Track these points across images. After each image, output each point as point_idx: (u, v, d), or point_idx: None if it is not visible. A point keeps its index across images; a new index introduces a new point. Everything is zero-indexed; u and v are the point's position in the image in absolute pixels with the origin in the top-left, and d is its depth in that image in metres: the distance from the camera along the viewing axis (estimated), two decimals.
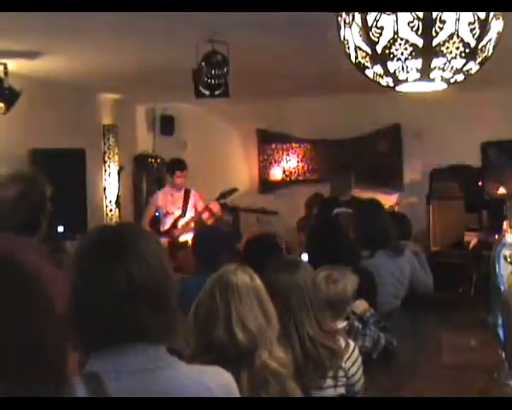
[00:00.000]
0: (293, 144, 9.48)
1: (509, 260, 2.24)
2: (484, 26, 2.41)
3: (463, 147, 8.34)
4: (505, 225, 2.68)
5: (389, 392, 3.13)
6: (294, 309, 2.66)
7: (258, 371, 2.19)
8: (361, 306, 3.56)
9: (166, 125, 9.61)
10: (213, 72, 5.15)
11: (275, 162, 9.58)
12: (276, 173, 9.58)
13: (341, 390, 2.70)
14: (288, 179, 9.55)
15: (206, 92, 5.41)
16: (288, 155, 9.52)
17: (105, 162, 8.48)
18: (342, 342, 2.75)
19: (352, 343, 2.79)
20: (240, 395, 1.69)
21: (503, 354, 3.35)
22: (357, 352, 2.78)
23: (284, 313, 2.57)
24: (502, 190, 7.27)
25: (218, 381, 1.61)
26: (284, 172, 9.56)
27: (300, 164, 9.50)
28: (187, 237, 6.58)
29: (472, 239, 6.92)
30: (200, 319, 2.25)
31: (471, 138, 8.29)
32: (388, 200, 8.10)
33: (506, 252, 2.40)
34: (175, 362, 1.57)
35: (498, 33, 2.55)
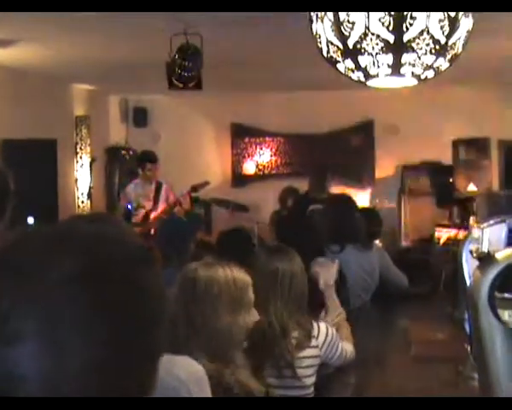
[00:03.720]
0: (267, 138, 9.50)
1: (474, 254, 2.27)
2: (453, 23, 2.45)
3: (435, 144, 8.44)
4: (471, 220, 2.72)
5: (357, 384, 3.16)
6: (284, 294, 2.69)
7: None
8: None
9: (140, 116, 9.57)
10: (187, 64, 5.13)
11: (248, 156, 9.59)
12: (250, 167, 9.58)
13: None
14: (261, 173, 9.56)
15: (180, 84, 5.40)
16: (262, 149, 9.54)
17: (77, 153, 8.41)
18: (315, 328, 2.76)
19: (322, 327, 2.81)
20: (209, 386, 1.69)
21: (469, 349, 3.39)
22: (330, 332, 2.81)
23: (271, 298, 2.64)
24: (472, 187, 7.36)
25: (188, 371, 1.61)
26: (257, 166, 9.57)
27: (274, 158, 9.52)
28: None
29: (442, 235, 6.99)
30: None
31: (442, 135, 8.38)
32: (360, 195, 8.18)
33: (472, 247, 2.43)
34: None
35: (468, 31, 2.59)
